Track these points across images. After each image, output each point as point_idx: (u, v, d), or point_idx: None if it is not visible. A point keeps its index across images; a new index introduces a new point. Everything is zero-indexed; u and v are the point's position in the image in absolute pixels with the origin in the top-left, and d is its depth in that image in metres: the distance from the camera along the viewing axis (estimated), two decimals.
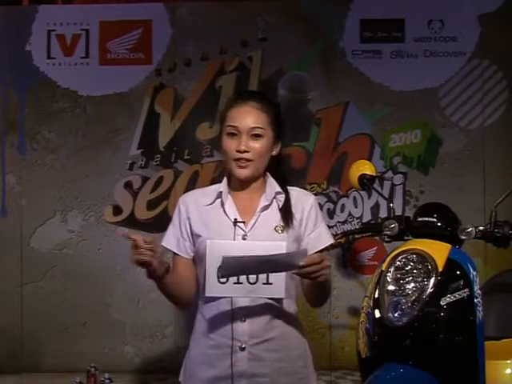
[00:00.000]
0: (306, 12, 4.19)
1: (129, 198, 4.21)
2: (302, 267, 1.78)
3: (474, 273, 2.06)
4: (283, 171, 2.12)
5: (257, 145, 1.99)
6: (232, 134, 1.99)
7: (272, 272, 1.84)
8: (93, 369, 3.69)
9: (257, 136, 1.99)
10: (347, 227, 4.12)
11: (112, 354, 4.16)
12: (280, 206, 2.03)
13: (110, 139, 4.24)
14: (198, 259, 2.01)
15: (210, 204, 2.04)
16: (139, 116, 4.22)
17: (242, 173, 2.00)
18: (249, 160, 1.98)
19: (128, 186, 4.21)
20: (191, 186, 4.11)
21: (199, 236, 2.00)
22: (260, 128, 1.99)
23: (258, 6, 4.22)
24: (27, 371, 4.10)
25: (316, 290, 1.96)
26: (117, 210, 4.21)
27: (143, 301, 4.14)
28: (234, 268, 1.80)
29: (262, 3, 4.24)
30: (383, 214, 4.03)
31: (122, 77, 4.22)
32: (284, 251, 1.82)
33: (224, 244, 1.88)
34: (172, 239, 2.07)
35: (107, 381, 3.64)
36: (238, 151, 1.97)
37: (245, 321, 1.95)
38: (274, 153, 2.06)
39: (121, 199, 4.22)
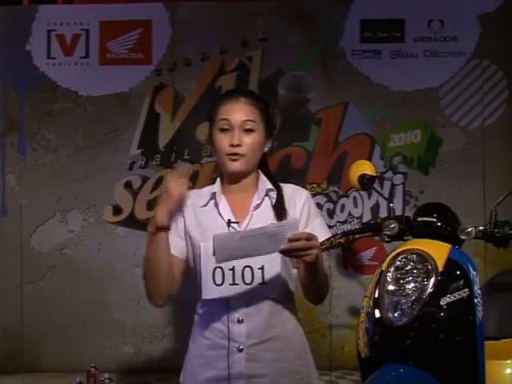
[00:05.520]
0: (306, 12, 4.19)
1: (129, 197, 4.21)
2: (289, 240, 1.75)
3: (474, 273, 2.06)
4: (267, 167, 2.11)
5: (249, 139, 1.98)
6: (224, 130, 1.99)
7: (267, 252, 1.80)
8: (93, 369, 3.70)
9: (249, 130, 1.98)
10: (347, 227, 4.12)
11: (112, 354, 4.16)
12: (273, 203, 2.02)
13: (110, 139, 4.24)
14: (194, 261, 2.00)
15: (205, 206, 2.03)
16: (139, 116, 4.23)
17: (235, 166, 1.98)
18: (241, 154, 1.98)
19: (128, 186, 4.22)
20: (191, 185, 4.10)
21: (194, 238, 1.99)
22: (252, 121, 1.98)
23: (257, 6, 4.23)
24: (27, 371, 4.10)
25: (311, 278, 1.93)
26: (117, 210, 4.21)
27: (143, 301, 4.12)
28: (229, 248, 1.77)
29: (261, 3, 4.24)
30: (383, 213, 4.03)
31: (122, 77, 4.22)
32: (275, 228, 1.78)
33: None
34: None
35: (107, 381, 3.65)
36: (231, 145, 1.97)
37: (242, 322, 1.94)
38: (265, 149, 2.06)
39: (121, 199, 4.22)
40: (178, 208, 1.95)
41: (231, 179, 2.03)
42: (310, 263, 1.84)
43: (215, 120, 2.02)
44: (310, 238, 1.79)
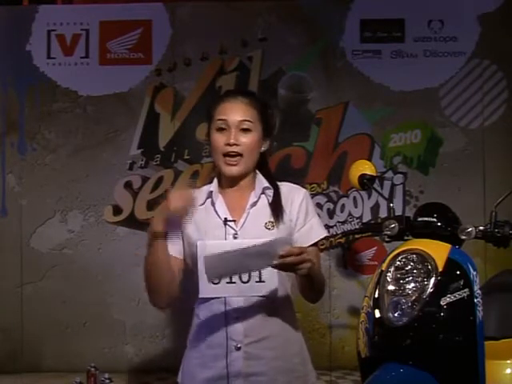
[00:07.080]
0: (306, 12, 4.19)
1: (129, 197, 4.21)
2: (280, 257, 1.75)
3: (474, 273, 2.06)
4: (267, 167, 2.11)
5: (246, 139, 1.99)
6: (221, 129, 1.99)
7: (258, 268, 1.82)
8: (93, 369, 3.70)
9: (246, 130, 1.99)
10: (347, 227, 4.12)
11: (112, 354, 4.16)
12: (269, 201, 2.03)
13: (110, 139, 4.24)
14: (191, 261, 2.00)
15: (201, 204, 2.03)
16: (139, 116, 4.22)
17: (232, 170, 2.00)
18: (238, 154, 1.98)
19: (128, 186, 4.22)
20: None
21: (190, 237, 1.99)
22: (249, 121, 1.99)
23: (257, 6, 4.23)
24: (27, 371, 4.10)
25: (307, 284, 1.94)
26: (117, 210, 4.21)
27: (143, 301, 4.13)
28: (219, 267, 1.78)
29: (261, 3, 4.24)
30: (383, 213, 4.03)
31: (122, 77, 4.22)
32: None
33: (214, 244, 1.88)
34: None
35: (107, 381, 3.65)
36: (228, 144, 1.97)
37: (239, 320, 1.94)
38: (262, 149, 2.06)
39: (121, 199, 4.22)
40: (179, 219, 1.93)
41: (228, 180, 2.04)
42: (303, 275, 1.85)
43: (213, 119, 2.03)
44: (301, 252, 1.79)
